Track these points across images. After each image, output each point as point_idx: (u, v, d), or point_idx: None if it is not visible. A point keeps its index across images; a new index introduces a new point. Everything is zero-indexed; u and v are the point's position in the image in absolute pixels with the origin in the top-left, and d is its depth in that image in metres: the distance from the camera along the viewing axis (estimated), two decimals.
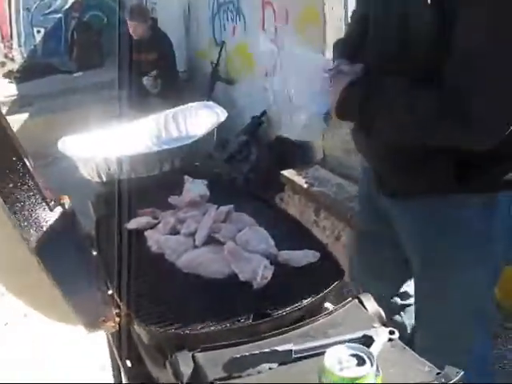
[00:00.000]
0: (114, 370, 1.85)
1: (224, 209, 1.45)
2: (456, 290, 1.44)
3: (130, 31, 5.01)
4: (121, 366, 1.37)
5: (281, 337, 1.10)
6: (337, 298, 1.29)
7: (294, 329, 1.12)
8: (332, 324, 1.13)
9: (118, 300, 1.24)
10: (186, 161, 1.81)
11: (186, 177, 1.63)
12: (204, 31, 5.71)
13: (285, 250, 1.37)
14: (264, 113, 4.78)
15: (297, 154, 4.34)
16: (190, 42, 6.10)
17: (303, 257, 1.36)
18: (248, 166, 4.42)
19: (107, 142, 1.88)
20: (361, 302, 1.18)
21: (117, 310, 1.17)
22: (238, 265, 1.29)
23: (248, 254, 1.32)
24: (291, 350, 1.01)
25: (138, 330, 1.21)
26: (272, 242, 1.39)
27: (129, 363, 1.33)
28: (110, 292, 1.23)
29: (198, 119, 1.94)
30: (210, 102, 2.05)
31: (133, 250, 1.45)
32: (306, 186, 3.78)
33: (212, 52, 5.59)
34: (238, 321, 1.18)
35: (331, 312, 1.16)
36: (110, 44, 6.56)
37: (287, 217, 1.57)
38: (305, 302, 1.21)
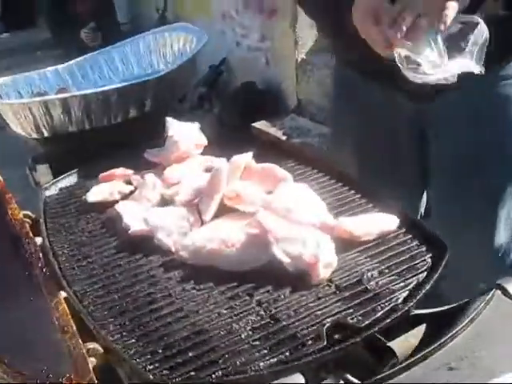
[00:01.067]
0: None
1: (240, 159, 0.93)
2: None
3: None
4: None
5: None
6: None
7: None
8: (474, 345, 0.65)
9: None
10: (161, 99, 1.26)
11: (169, 119, 1.09)
12: None
13: (343, 217, 0.87)
14: (223, 61, 4.21)
15: (267, 102, 3.80)
16: None
17: (376, 225, 0.86)
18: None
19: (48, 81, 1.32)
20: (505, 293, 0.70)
21: (92, 359, 0.65)
22: (283, 248, 0.78)
23: (297, 227, 0.81)
24: None
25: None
26: (324, 206, 0.88)
27: None
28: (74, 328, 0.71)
29: (173, 45, 1.40)
30: (185, 24, 1.50)
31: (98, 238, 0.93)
32: (283, 138, 3.27)
33: None
34: (302, 346, 0.68)
35: (471, 320, 0.67)
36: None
37: (324, 166, 1.05)
38: (409, 304, 0.72)
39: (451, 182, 1.13)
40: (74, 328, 0.71)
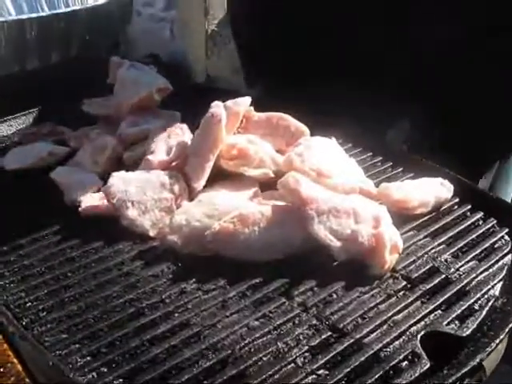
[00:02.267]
0: None
1: (237, 105, 0.65)
2: None
3: None
4: None
5: None
6: None
7: None
8: None
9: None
10: (92, 40, 0.97)
11: (114, 58, 0.80)
12: None
13: (385, 183, 0.64)
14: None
15: (172, 77, 3.47)
16: None
17: (428, 191, 0.63)
18: None
19: None
20: None
21: None
22: (329, 225, 0.53)
23: (340, 197, 0.56)
24: None
25: None
26: (359, 168, 0.64)
27: None
28: None
29: None
30: None
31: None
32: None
33: None
34: (397, 372, 0.44)
35: None
36: None
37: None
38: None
39: None
40: (18, 367, 0.42)
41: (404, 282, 0.53)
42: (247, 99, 0.66)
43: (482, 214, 0.63)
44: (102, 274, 0.54)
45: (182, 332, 0.47)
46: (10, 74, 0.90)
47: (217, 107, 0.62)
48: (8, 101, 0.83)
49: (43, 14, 0.92)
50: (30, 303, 0.50)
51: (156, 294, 0.51)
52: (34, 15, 0.88)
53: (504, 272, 0.55)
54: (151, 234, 0.58)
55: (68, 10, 0.94)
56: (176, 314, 0.49)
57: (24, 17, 0.89)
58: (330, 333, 0.47)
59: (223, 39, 3.60)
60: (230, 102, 0.65)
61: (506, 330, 0.48)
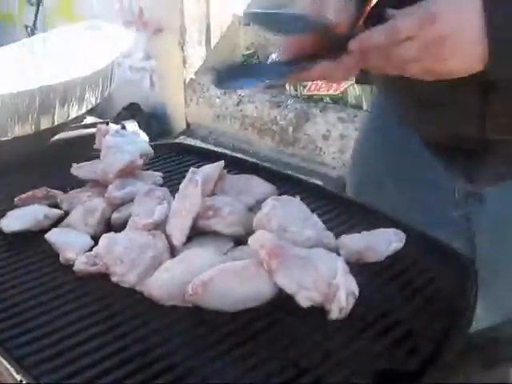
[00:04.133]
0: None
1: (212, 169, 0.74)
2: None
3: None
4: None
5: None
6: None
7: None
8: None
9: None
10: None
11: (100, 126, 0.89)
12: None
13: (344, 235, 0.72)
14: None
15: (153, 125, 3.58)
16: None
17: (383, 242, 0.72)
18: None
19: None
20: None
21: None
22: (291, 277, 0.61)
23: (303, 251, 0.65)
24: None
25: None
26: (321, 223, 0.73)
27: None
28: None
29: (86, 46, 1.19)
30: (98, 22, 1.29)
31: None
32: None
33: (25, 14, 4.56)
34: None
35: None
36: None
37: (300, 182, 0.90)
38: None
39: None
40: None
41: (359, 324, 0.61)
42: (221, 163, 0.75)
43: (435, 258, 0.72)
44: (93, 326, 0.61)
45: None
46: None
47: (193, 174, 0.70)
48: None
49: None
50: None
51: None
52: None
53: (447, 316, 0.64)
54: (138, 288, 0.65)
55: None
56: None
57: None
58: (297, 371, 0.55)
59: (201, 87, 3.73)
60: (205, 168, 0.74)
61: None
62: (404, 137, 0.88)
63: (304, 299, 0.61)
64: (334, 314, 0.61)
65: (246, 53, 3.49)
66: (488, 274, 0.73)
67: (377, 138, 0.95)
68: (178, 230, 0.68)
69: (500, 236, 0.83)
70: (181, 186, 0.70)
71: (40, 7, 4.37)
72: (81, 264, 0.68)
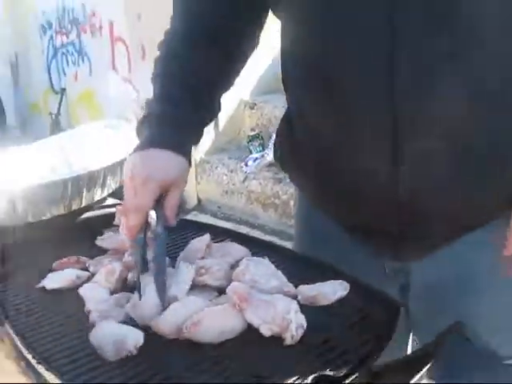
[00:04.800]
0: None
1: (201, 241, 1.00)
2: None
3: None
4: None
5: None
6: None
7: None
8: None
9: None
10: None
11: (119, 207, 1.15)
12: (38, 80, 5.09)
13: (301, 285, 0.96)
14: None
15: None
16: (20, 95, 5.40)
17: (331, 290, 0.95)
18: None
19: None
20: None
21: None
22: (256, 314, 0.85)
23: (266, 296, 0.89)
24: None
25: None
26: (283, 277, 0.97)
27: None
28: None
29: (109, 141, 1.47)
30: (113, 121, 1.58)
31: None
32: None
33: (50, 102, 4.98)
34: None
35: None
36: None
37: (266, 244, 1.15)
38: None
39: None
40: None
41: (306, 347, 0.84)
42: (207, 236, 1.01)
43: (370, 301, 0.95)
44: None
45: None
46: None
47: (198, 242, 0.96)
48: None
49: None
50: None
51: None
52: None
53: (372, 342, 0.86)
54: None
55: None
56: None
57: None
58: (255, 379, 0.78)
59: (211, 166, 4.08)
60: (196, 240, 1.00)
61: None
62: (329, 225, 1.09)
63: (266, 330, 0.84)
64: (288, 340, 0.84)
65: (251, 134, 3.81)
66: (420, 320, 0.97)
67: (307, 227, 1.18)
68: (181, 284, 0.93)
69: (428, 295, 1.06)
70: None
71: (63, 95, 4.79)
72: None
